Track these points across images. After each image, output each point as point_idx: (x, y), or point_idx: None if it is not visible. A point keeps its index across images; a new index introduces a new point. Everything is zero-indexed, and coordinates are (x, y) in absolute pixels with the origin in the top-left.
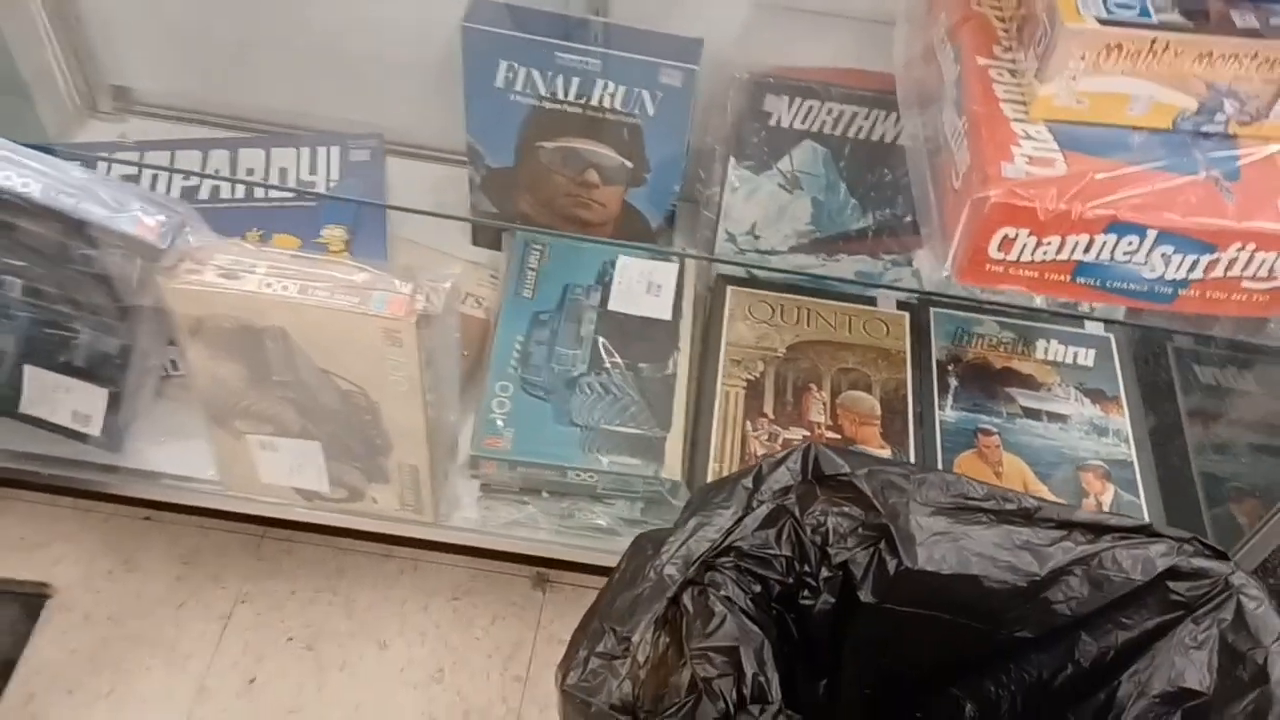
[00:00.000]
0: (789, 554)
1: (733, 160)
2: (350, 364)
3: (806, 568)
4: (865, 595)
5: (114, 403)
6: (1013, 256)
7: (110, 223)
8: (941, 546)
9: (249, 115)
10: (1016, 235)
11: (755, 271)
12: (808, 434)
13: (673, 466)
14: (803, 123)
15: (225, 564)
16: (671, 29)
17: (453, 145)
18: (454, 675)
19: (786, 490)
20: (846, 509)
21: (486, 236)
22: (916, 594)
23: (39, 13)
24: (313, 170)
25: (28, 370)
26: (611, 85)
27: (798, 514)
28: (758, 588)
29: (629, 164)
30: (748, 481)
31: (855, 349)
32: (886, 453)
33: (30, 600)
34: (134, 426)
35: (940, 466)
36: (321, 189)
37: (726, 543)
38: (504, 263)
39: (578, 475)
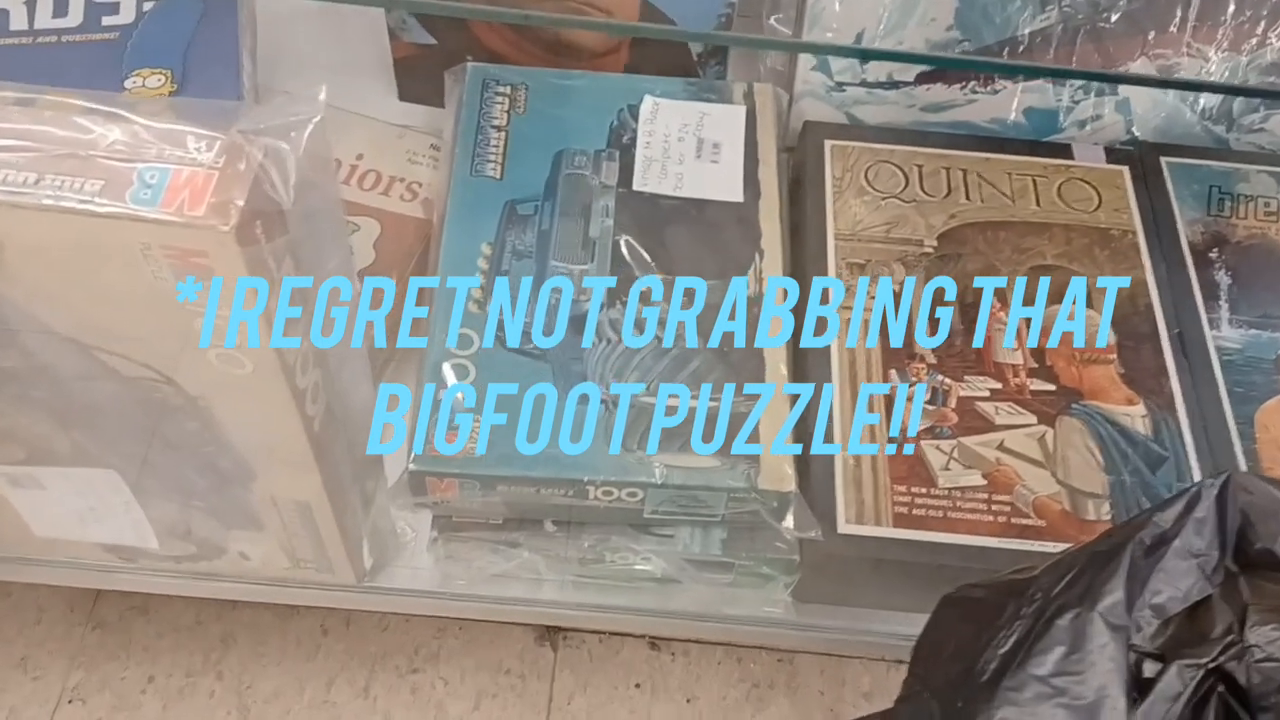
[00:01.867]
0: None
1: None
2: (120, 324)
3: None
4: None
5: None
6: None
7: None
8: None
9: None
10: None
11: (856, 112)
12: (997, 385)
13: (777, 467)
14: None
15: (41, 639)
16: None
17: None
18: None
19: (1195, 614)
20: None
21: (420, 82)
22: None
23: None
24: None
25: None
26: None
27: (1234, 671)
28: None
29: None
30: (1113, 608)
31: (1052, 232)
32: (1138, 409)
33: None
34: None
35: (1230, 423)
36: (129, 13)
37: None
38: (449, 122)
39: (608, 494)
